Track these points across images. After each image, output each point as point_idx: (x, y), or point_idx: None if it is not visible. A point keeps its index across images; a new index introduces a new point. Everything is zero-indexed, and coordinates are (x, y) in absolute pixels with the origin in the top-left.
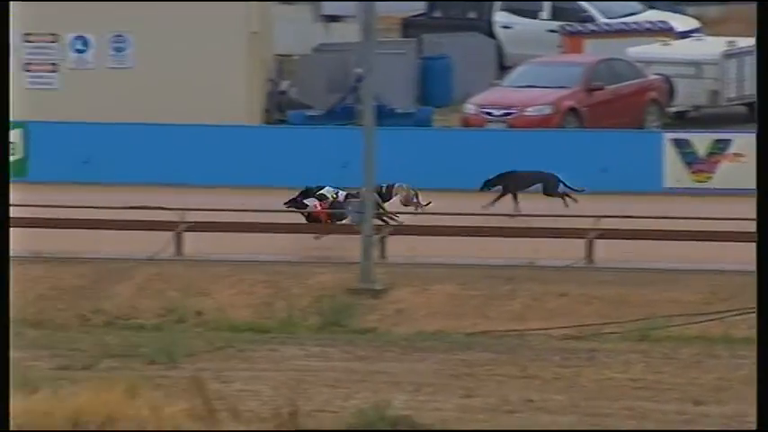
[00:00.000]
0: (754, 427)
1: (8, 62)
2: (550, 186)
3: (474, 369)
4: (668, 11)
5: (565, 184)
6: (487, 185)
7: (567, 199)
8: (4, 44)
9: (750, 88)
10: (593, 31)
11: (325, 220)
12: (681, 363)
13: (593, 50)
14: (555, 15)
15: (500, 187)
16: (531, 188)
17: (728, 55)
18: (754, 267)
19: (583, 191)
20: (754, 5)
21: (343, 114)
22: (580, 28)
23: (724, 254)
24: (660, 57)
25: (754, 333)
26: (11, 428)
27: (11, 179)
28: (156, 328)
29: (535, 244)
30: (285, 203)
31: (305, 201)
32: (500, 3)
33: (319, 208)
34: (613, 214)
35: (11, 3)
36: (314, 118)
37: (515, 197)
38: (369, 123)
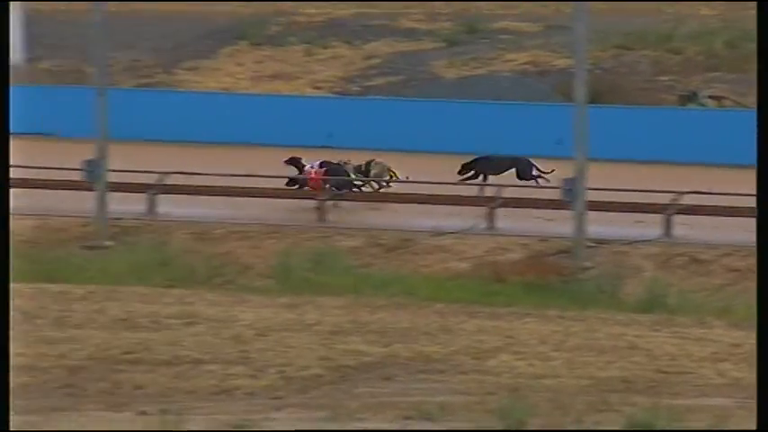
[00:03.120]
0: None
1: (8, 62)
2: (524, 171)
3: None
4: None
5: (537, 168)
6: (464, 169)
7: (541, 180)
8: (4, 44)
9: None
10: None
11: (316, 187)
12: None
13: None
14: None
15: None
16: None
17: None
18: None
19: (553, 171)
20: None
21: None
22: None
23: None
24: None
25: None
26: (11, 429)
27: None
28: None
29: None
30: (286, 161)
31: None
32: None
33: (314, 175)
34: None
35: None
36: None
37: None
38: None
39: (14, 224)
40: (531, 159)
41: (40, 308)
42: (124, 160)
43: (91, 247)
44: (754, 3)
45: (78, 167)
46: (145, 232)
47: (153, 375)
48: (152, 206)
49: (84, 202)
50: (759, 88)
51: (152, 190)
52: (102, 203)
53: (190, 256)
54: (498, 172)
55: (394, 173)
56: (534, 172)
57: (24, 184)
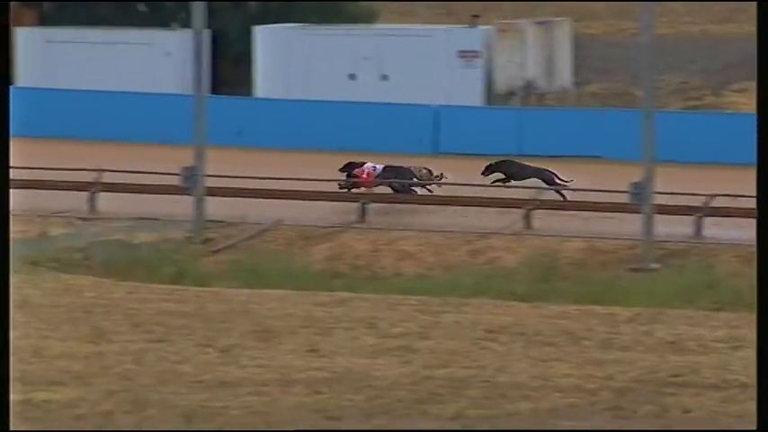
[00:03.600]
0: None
1: (8, 62)
2: (550, 180)
3: None
4: None
5: (559, 177)
6: (488, 170)
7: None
8: (5, 44)
9: None
10: None
11: (368, 187)
12: None
13: None
14: None
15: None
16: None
17: None
18: None
19: (572, 181)
20: None
21: None
22: None
23: None
24: None
25: None
26: (11, 428)
27: None
28: None
29: None
30: (340, 169)
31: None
32: None
33: (365, 177)
34: None
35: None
36: None
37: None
38: None
39: (562, 246)
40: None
41: (587, 329)
42: (670, 183)
43: (637, 270)
44: None
45: (624, 190)
46: (691, 255)
47: (700, 399)
48: (699, 229)
49: (630, 224)
50: (759, 88)
51: (699, 212)
52: (648, 226)
53: (737, 279)
54: (521, 178)
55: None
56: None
57: (573, 206)
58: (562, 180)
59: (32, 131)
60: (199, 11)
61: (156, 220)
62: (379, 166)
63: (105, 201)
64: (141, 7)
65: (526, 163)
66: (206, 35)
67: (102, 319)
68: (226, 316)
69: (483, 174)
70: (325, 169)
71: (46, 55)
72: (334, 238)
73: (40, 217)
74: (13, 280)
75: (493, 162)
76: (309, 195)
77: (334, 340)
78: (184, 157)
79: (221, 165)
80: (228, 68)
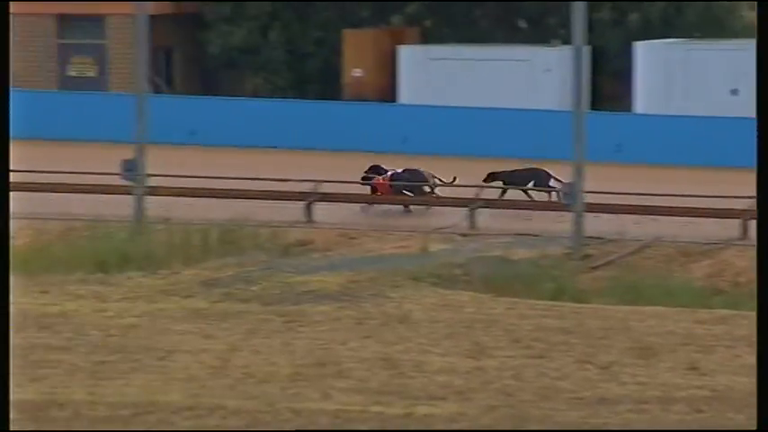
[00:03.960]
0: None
1: (8, 62)
2: (541, 182)
3: None
4: None
5: (555, 178)
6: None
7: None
8: (4, 44)
9: None
10: None
11: (384, 192)
12: None
13: None
14: None
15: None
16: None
17: None
18: None
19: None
20: None
21: None
22: None
23: None
24: None
25: None
26: (11, 429)
27: None
28: None
29: None
30: (365, 172)
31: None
32: None
33: (380, 181)
34: None
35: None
36: None
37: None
38: None
39: None
40: (549, 171)
41: None
42: None
43: None
44: None
45: None
46: None
47: None
48: None
49: None
50: (759, 88)
51: None
52: None
53: None
54: (520, 184)
55: (438, 178)
56: (552, 182)
57: None
58: (560, 180)
59: (413, 148)
60: (579, 27)
61: (535, 236)
62: (399, 170)
63: (485, 217)
64: (522, 24)
65: (524, 167)
66: (586, 51)
67: (482, 335)
68: (605, 332)
69: (484, 181)
70: (706, 185)
71: (428, 72)
72: (714, 255)
73: (421, 233)
74: (394, 295)
75: (494, 171)
76: (687, 212)
77: (714, 358)
78: (563, 174)
79: (600, 181)
80: (608, 84)
